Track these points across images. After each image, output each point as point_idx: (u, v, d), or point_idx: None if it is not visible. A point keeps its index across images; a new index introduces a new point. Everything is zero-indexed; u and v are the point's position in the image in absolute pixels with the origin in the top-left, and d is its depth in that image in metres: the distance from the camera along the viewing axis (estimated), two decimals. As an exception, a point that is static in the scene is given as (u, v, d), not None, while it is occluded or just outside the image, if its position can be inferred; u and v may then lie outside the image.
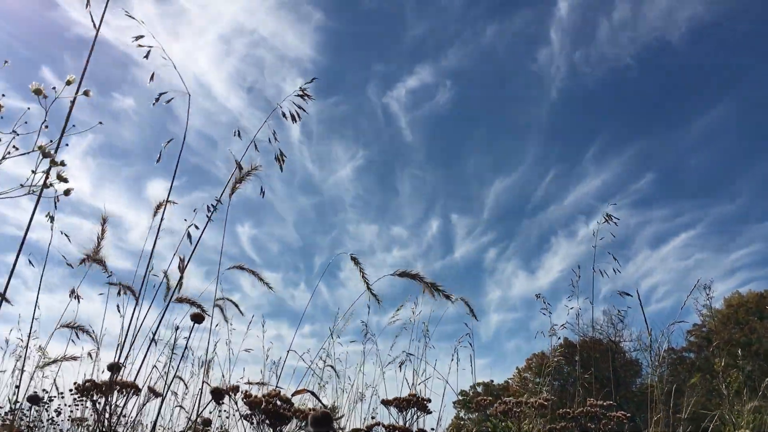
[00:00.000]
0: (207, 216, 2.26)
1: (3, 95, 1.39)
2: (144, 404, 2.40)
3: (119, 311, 2.82)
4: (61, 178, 1.48)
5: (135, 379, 2.16)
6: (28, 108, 1.46)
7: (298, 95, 2.29)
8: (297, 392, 2.00)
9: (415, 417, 2.34)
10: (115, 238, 2.78)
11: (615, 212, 3.40)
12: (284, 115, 2.30)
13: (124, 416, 2.21)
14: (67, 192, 1.52)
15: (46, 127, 1.48)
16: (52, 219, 2.05)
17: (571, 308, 3.58)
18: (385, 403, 2.43)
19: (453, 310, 2.88)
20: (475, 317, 2.92)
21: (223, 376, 3.52)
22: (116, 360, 2.17)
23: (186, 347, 2.86)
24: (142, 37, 2.00)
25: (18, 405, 2.94)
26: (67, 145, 1.55)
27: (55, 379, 3.35)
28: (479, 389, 29.26)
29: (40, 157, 1.46)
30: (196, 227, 2.26)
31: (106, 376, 2.08)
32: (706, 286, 23.41)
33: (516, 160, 42.76)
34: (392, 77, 42.03)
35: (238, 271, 2.68)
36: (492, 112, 42.58)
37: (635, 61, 36.26)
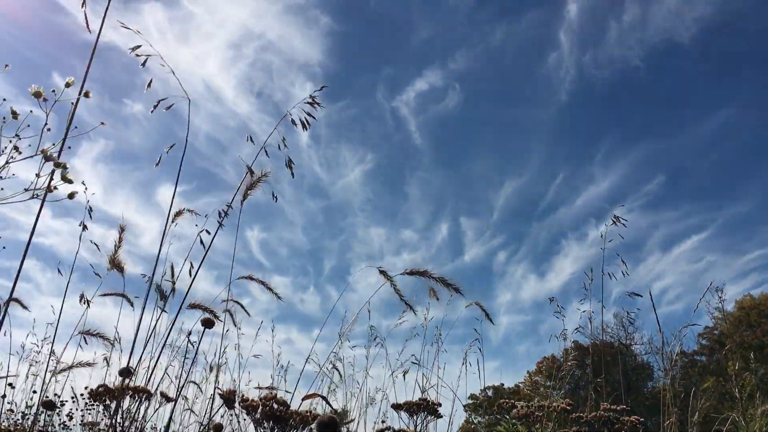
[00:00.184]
0: (218, 221, 2.28)
1: (4, 100, 1.41)
2: (156, 409, 2.42)
3: (139, 315, 2.83)
4: (66, 179, 1.47)
5: (147, 384, 2.18)
6: (30, 111, 1.47)
7: (308, 102, 2.30)
8: (307, 397, 2.00)
9: (425, 421, 2.34)
10: (126, 242, 2.80)
11: (624, 214, 3.38)
12: (294, 122, 2.32)
13: (137, 420, 2.22)
14: (71, 195, 1.51)
15: (48, 130, 1.49)
16: (85, 227, 2.05)
17: (583, 311, 3.55)
18: (396, 407, 2.43)
19: (465, 314, 2.88)
20: (491, 321, 2.91)
21: (234, 380, 3.53)
22: (128, 365, 2.19)
23: (196, 351, 2.88)
24: (139, 47, 2.04)
25: (31, 410, 2.97)
26: (69, 147, 1.56)
27: (65, 384, 3.37)
28: (489, 393, 29.12)
29: (43, 161, 1.47)
30: (208, 232, 2.28)
31: (118, 380, 2.10)
32: (719, 288, 23.23)
33: (525, 163, 42.68)
34: (400, 80, 42.12)
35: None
36: (501, 115, 42.52)
37: (644, 63, 36.13)
